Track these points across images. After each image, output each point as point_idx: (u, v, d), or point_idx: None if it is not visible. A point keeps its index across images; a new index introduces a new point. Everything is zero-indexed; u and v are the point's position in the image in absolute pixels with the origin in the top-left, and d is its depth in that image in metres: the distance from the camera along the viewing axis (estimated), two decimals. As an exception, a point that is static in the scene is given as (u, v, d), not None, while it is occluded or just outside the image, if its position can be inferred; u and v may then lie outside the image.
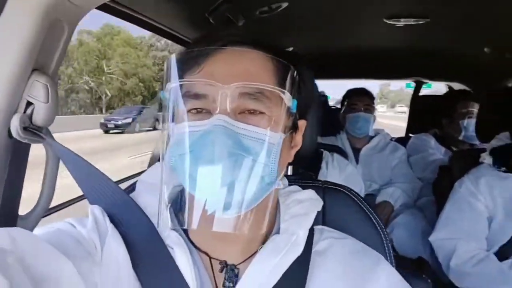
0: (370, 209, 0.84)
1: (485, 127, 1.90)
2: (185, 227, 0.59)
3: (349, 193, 0.86)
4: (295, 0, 1.38)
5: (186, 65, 0.62)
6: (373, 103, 2.49)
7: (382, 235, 0.82)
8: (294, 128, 0.68)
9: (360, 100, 2.45)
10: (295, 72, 0.62)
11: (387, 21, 1.69)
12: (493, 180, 1.60)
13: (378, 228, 0.82)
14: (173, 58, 0.61)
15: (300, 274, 0.65)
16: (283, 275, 0.63)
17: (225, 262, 0.65)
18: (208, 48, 0.62)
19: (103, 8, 0.94)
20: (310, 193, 0.75)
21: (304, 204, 0.72)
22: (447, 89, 3.55)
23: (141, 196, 0.71)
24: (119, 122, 20.51)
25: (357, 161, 2.49)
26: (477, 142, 2.53)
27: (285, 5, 1.40)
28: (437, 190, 2.15)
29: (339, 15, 1.64)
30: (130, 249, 0.62)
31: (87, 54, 32.58)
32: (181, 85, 0.61)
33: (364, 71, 3.07)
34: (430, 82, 3.55)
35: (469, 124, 2.43)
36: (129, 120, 20.61)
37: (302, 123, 0.71)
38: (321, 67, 2.37)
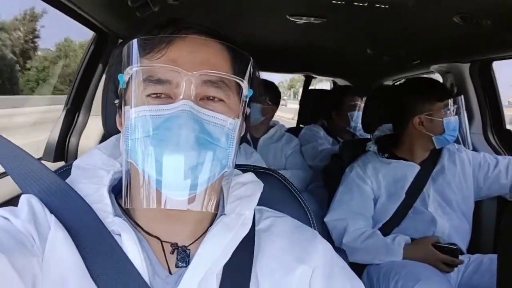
0: (297, 190, 0.92)
1: (370, 120, 2.14)
2: (144, 206, 0.59)
3: (278, 176, 0.92)
4: None
5: (146, 50, 0.62)
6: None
7: (308, 214, 0.90)
8: (244, 115, 0.71)
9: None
10: (252, 63, 0.66)
11: (290, 18, 1.79)
12: (378, 166, 1.82)
13: (304, 207, 0.90)
14: (135, 41, 0.61)
15: (248, 251, 0.69)
16: (233, 252, 0.66)
17: (176, 244, 0.67)
18: (171, 35, 0.63)
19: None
20: (252, 176, 0.79)
21: (248, 186, 0.75)
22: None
23: (78, 182, 0.68)
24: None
25: (255, 149, 2.61)
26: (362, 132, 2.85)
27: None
28: (328, 176, 2.35)
29: (248, 8, 1.70)
30: (73, 239, 0.60)
31: None
32: (142, 69, 0.61)
33: (262, 64, 3.20)
34: (318, 76, 3.83)
35: (356, 116, 2.72)
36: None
37: (248, 111, 0.75)
38: None
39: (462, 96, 1.81)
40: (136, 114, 0.60)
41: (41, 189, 0.64)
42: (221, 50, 0.66)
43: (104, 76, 1.86)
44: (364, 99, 2.75)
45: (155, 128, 0.58)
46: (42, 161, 1.67)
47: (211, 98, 0.63)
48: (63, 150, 1.76)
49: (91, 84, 1.86)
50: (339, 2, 1.29)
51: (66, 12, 1.40)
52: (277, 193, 0.89)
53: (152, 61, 0.62)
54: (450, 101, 1.73)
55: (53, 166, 1.68)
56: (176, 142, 0.57)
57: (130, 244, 0.62)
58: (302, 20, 1.82)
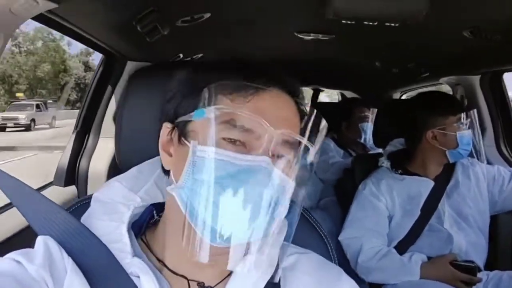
0: (316, 221, 0.90)
1: (381, 134, 2.12)
2: (199, 260, 0.56)
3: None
4: (217, 11, 1.41)
5: (228, 90, 0.61)
6: None
7: (328, 246, 0.88)
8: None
9: None
10: (325, 128, 0.64)
11: (298, 35, 1.79)
12: (392, 182, 1.79)
13: (324, 238, 0.88)
14: (223, 83, 0.60)
15: None
16: None
17: (203, 283, 0.65)
18: (260, 87, 0.61)
19: (38, 18, 0.87)
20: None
21: None
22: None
23: (97, 219, 0.66)
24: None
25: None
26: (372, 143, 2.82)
27: (207, 15, 1.42)
28: (340, 191, 2.33)
29: (256, 27, 1.71)
30: (90, 283, 0.58)
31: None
32: (226, 111, 0.58)
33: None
34: (326, 89, 3.83)
35: (367, 127, 2.70)
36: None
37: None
38: None
39: (475, 110, 1.79)
40: (208, 154, 0.57)
41: (58, 231, 0.62)
42: (296, 110, 0.65)
43: (113, 97, 1.86)
44: (373, 110, 2.73)
45: (227, 175, 0.56)
46: (53, 186, 1.70)
47: (280, 156, 0.60)
48: (73, 174, 1.75)
49: (100, 106, 1.86)
50: (348, 22, 1.28)
51: (75, 37, 1.40)
52: (297, 226, 0.87)
53: (236, 104, 0.60)
54: (463, 115, 1.71)
55: (64, 191, 1.68)
56: (247, 195, 0.55)
57: (149, 286, 0.60)
58: (309, 37, 1.82)
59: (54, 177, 1.72)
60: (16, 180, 0.67)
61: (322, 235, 0.88)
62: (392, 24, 1.27)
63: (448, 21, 1.39)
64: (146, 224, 0.72)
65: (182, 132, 0.64)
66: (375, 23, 1.26)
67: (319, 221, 0.90)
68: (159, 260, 0.66)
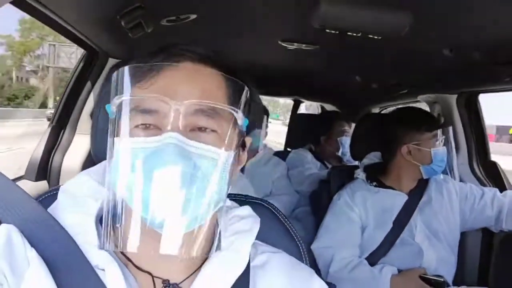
0: (289, 223, 0.90)
1: (358, 147, 2.14)
2: (127, 249, 0.55)
3: (270, 208, 0.90)
4: (203, 14, 1.41)
5: (137, 78, 0.60)
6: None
7: (301, 248, 0.88)
8: (241, 145, 0.68)
9: None
10: (248, 92, 0.62)
11: (282, 43, 1.80)
12: (366, 194, 1.81)
13: (297, 241, 0.88)
14: (124, 69, 0.58)
15: None
16: None
17: (168, 281, 0.63)
18: (161, 63, 0.61)
19: (17, 3, 0.85)
20: (249, 210, 0.75)
21: (247, 220, 0.72)
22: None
23: (64, 210, 0.64)
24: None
25: (242, 172, 2.58)
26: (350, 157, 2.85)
27: (193, 17, 1.42)
28: (315, 201, 2.33)
29: (241, 33, 1.71)
30: (53, 276, 0.55)
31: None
32: (130, 99, 0.58)
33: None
34: (305, 101, 3.86)
35: (346, 141, 2.73)
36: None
37: (247, 140, 0.71)
38: None
39: (451, 128, 1.83)
40: (120, 146, 0.57)
41: (23, 219, 0.60)
42: (215, 77, 0.63)
43: (91, 95, 1.83)
44: (351, 125, 2.78)
45: (140, 162, 0.55)
46: (24, 180, 1.65)
47: (203, 129, 0.59)
48: (46, 168, 1.70)
49: (78, 102, 1.83)
50: (332, 32, 1.30)
51: (57, 29, 1.38)
52: (269, 226, 0.87)
53: (142, 90, 0.59)
54: (439, 132, 1.74)
55: (35, 185, 1.63)
56: (160, 178, 0.53)
57: (114, 280, 0.58)
58: (293, 46, 1.83)
59: (25, 170, 1.67)
60: None
61: (295, 237, 0.88)
62: (375, 37, 1.29)
63: (429, 38, 1.42)
64: None
65: (110, 131, 0.63)
66: (359, 34, 1.28)
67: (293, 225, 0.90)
68: (124, 255, 0.64)
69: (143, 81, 0.60)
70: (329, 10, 1.18)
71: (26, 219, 0.60)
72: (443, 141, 1.76)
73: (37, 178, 1.66)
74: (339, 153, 2.81)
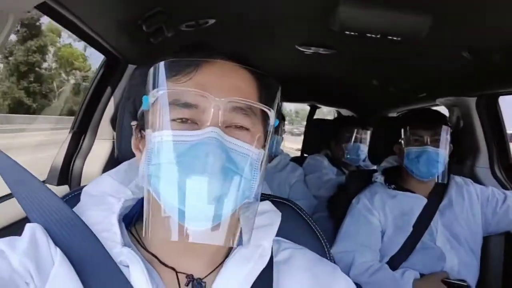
0: (313, 222, 0.90)
1: (376, 151, 2.13)
2: (163, 237, 0.57)
3: (294, 207, 0.90)
4: (221, 18, 1.42)
5: (173, 72, 0.61)
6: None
7: (325, 247, 0.88)
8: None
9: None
10: (279, 91, 0.64)
11: (299, 48, 1.81)
12: (385, 197, 1.79)
13: (321, 240, 0.88)
14: (163, 64, 0.59)
15: (266, 284, 0.66)
16: (251, 286, 0.63)
17: (192, 276, 0.64)
18: (200, 59, 0.62)
19: (42, 8, 0.87)
20: (270, 205, 0.76)
21: (267, 215, 0.73)
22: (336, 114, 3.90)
23: (87, 209, 0.66)
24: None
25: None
26: (360, 163, 2.84)
27: (212, 21, 1.44)
28: (333, 206, 2.32)
29: (257, 38, 1.72)
30: (78, 274, 0.57)
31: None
32: (169, 93, 0.59)
33: None
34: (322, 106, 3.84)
35: (351, 147, 2.74)
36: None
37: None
38: None
39: (448, 128, 1.74)
40: (160, 139, 0.57)
41: (48, 218, 0.61)
42: (249, 76, 0.65)
43: (112, 100, 1.86)
44: (358, 130, 2.77)
45: (180, 154, 0.56)
46: (46, 185, 1.68)
47: (238, 126, 0.61)
48: (67, 174, 1.73)
49: (98, 108, 1.86)
50: (351, 34, 1.30)
51: (78, 34, 1.40)
52: (293, 224, 0.87)
53: (179, 84, 0.60)
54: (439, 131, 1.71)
55: (57, 190, 1.66)
56: (201, 170, 0.54)
57: (138, 276, 0.59)
58: (310, 50, 1.83)
59: (47, 175, 1.70)
60: (12, 161, 0.66)
61: (320, 236, 0.88)
62: (394, 38, 1.29)
63: (448, 40, 1.41)
64: (136, 216, 0.72)
65: (141, 125, 0.66)
66: (378, 36, 1.28)
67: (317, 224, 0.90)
68: (148, 252, 0.66)
69: (179, 76, 0.61)
70: (349, 12, 1.18)
71: (51, 218, 0.61)
72: (428, 140, 1.71)
73: (59, 183, 1.68)
74: (345, 159, 2.81)
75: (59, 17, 1.12)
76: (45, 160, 1.93)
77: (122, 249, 0.61)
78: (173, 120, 0.59)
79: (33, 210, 0.63)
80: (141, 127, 0.67)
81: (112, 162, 1.85)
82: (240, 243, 0.66)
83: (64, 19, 1.10)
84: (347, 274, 1.63)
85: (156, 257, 0.65)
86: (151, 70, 0.60)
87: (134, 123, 0.70)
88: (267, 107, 0.62)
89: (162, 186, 0.57)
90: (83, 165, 1.78)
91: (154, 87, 0.59)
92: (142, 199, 0.72)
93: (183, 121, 0.59)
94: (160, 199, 0.58)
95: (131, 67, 1.82)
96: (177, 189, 0.55)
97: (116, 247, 0.61)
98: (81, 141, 1.82)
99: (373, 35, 1.28)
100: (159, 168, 0.57)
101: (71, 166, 1.75)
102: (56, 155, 1.76)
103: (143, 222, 0.59)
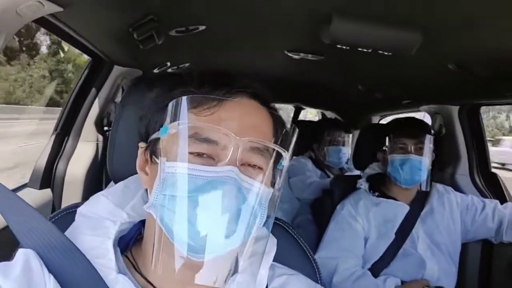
0: (303, 241, 0.90)
1: (360, 157, 2.15)
2: (170, 270, 0.56)
3: (285, 226, 0.91)
4: (212, 24, 1.41)
5: (195, 104, 0.61)
6: None
7: (315, 266, 0.88)
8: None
9: None
10: (295, 132, 0.65)
11: (288, 53, 1.81)
12: (369, 204, 1.82)
13: (311, 259, 0.89)
14: (184, 99, 0.59)
15: None
16: None
17: None
18: (224, 98, 0.62)
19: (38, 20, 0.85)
20: (265, 231, 0.76)
21: (263, 242, 0.72)
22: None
23: (82, 233, 0.65)
24: None
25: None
26: (343, 166, 2.86)
27: (202, 28, 1.42)
28: (317, 210, 2.34)
29: (248, 43, 1.71)
30: None
31: None
32: (191, 126, 0.59)
33: None
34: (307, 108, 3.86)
35: (332, 151, 2.75)
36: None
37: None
38: None
39: (431, 137, 1.79)
40: (175, 170, 0.57)
41: (42, 244, 0.60)
42: (267, 116, 0.66)
43: (96, 101, 1.82)
44: (340, 133, 2.79)
45: (197, 189, 0.56)
46: (28, 188, 1.64)
47: (252, 164, 0.61)
48: (50, 176, 1.70)
49: (82, 109, 1.82)
50: (343, 47, 1.30)
51: (64, 38, 1.37)
52: (285, 246, 0.87)
53: (200, 117, 0.60)
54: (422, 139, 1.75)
55: (40, 193, 1.62)
56: (217, 208, 0.55)
57: None
58: (299, 56, 1.83)
59: (29, 178, 1.66)
60: (6, 190, 0.64)
61: (309, 255, 0.89)
62: (385, 53, 1.30)
63: (437, 54, 1.43)
64: (133, 241, 0.71)
65: (153, 151, 0.65)
66: (369, 50, 1.29)
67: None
68: (144, 278, 0.65)
69: (200, 108, 0.61)
70: (341, 26, 1.18)
71: (45, 244, 0.60)
72: (412, 148, 1.74)
73: (41, 186, 1.65)
74: (326, 162, 2.83)
75: (45, 23, 1.09)
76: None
77: (117, 276, 0.61)
78: (190, 153, 0.59)
79: (25, 235, 0.61)
80: (152, 152, 0.66)
81: (95, 165, 1.82)
82: (236, 270, 0.66)
83: (50, 24, 1.06)
84: (330, 279, 1.67)
85: (152, 284, 0.64)
86: (174, 101, 0.60)
87: (143, 145, 0.69)
88: (283, 149, 0.63)
89: (174, 218, 0.57)
90: (66, 167, 1.74)
91: (175, 119, 0.59)
92: (139, 222, 0.71)
93: (199, 154, 0.59)
94: (167, 230, 0.57)
95: (117, 68, 1.79)
96: (187, 223, 0.55)
97: (111, 273, 0.61)
98: (64, 143, 1.78)
99: (364, 49, 1.29)
100: (173, 200, 0.57)
101: (54, 169, 1.72)
102: (38, 157, 1.72)
103: (152, 256, 0.59)
